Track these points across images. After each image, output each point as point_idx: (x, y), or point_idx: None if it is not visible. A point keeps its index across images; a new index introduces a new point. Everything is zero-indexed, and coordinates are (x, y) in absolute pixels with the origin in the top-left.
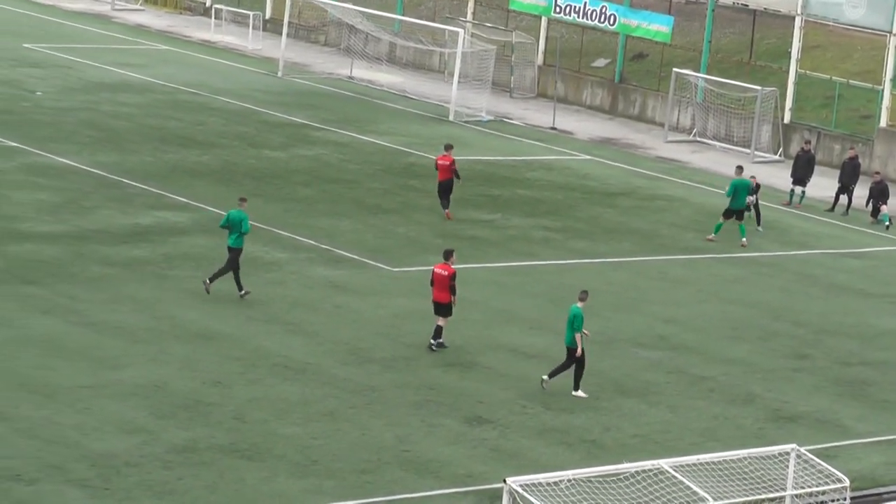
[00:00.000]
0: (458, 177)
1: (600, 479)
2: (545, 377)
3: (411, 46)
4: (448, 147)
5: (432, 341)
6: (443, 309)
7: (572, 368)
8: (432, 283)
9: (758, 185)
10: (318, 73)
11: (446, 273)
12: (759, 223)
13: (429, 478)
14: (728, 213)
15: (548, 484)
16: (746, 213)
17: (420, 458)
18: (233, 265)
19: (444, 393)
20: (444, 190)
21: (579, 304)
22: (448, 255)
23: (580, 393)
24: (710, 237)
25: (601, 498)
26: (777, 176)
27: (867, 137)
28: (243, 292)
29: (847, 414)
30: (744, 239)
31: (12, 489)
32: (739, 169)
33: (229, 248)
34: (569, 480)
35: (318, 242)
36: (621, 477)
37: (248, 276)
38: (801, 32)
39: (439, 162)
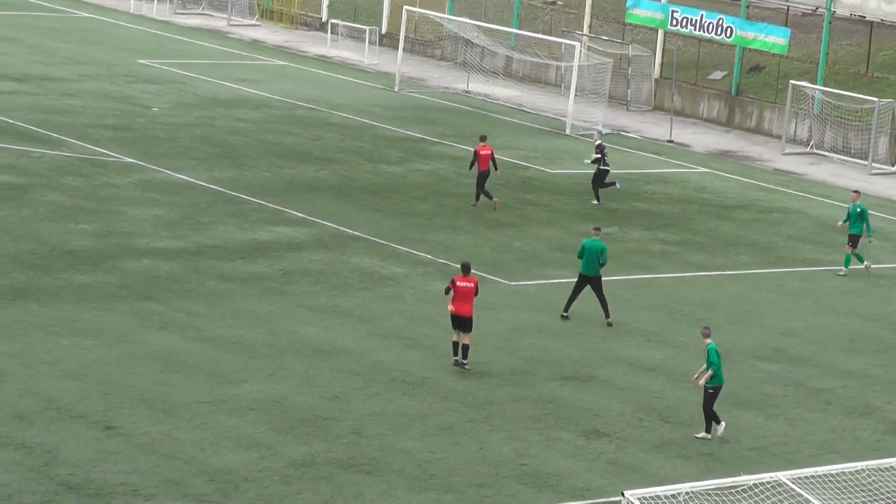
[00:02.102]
0: (496, 167)
1: (718, 492)
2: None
3: (527, 60)
4: (483, 138)
5: (463, 361)
6: (466, 324)
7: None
8: (448, 293)
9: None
10: (434, 88)
11: (472, 285)
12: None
13: (547, 491)
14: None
15: (665, 497)
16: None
17: (538, 472)
18: (576, 290)
19: (562, 406)
20: (484, 180)
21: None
22: (468, 268)
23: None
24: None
25: None
26: (894, 188)
27: None
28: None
29: None
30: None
31: None
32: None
33: (581, 276)
34: (686, 493)
35: (436, 257)
36: (739, 490)
37: (366, 290)
38: None
39: (481, 153)
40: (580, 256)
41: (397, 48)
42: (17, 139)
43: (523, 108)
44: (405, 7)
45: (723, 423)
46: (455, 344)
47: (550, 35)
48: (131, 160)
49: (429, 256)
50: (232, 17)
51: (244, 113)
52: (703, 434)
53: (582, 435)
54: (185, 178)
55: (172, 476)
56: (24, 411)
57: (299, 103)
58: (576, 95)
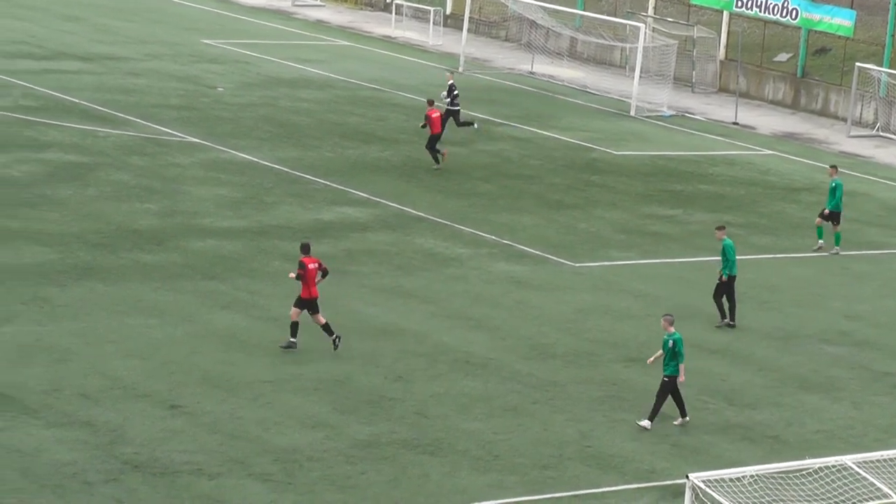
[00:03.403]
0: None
1: (783, 475)
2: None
3: (592, 41)
4: (431, 102)
5: (336, 339)
6: (316, 304)
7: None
8: (303, 279)
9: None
10: (499, 69)
11: (316, 266)
12: None
13: (612, 473)
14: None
15: (731, 480)
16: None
17: (602, 454)
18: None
19: (627, 388)
20: (435, 142)
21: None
22: (308, 248)
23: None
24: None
25: (784, 494)
26: None
27: None
28: (724, 322)
29: None
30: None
31: (195, 483)
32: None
33: (732, 277)
34: (751, 476)
35: (500, 238)
36: (804, 473)
37: (429, 271)
38: None
39: (432, 116)
40: (731, 258)
41: (462, 29)
42: (82, 119)
43: (588, 90)
44: None
45: (687, 419)
46: (295, 325)
47: (615, 16)
48: (196, 140)
49: (492, 237)
50: None
51: (308, 93)
52: (680, 420)
53: (646, 416)
54: (249, 157)
55: (237, 455)
56: (89, 390)
57: (363, 84)
58: (641, 77)
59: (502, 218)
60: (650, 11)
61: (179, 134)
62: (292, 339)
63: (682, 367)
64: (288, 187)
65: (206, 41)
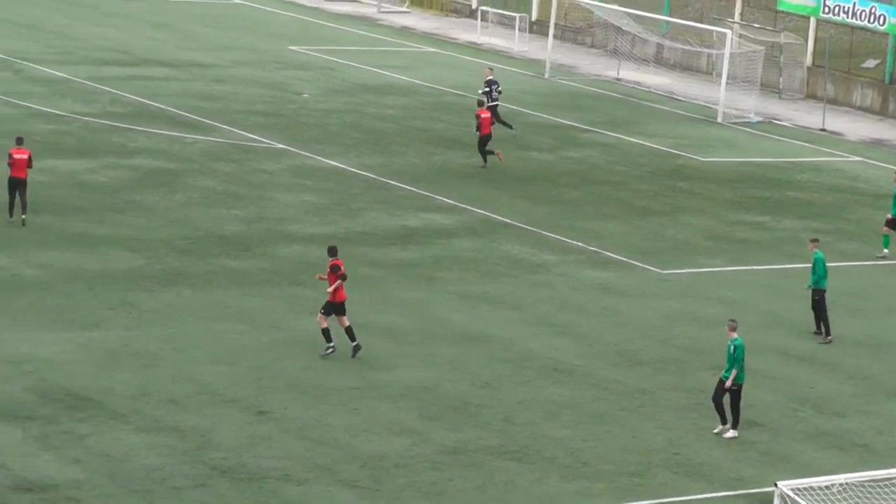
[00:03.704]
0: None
1: (873, 484)
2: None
3: (678, 48)
4: (481, 103)
5: (355, 344)
6: (345, 307)
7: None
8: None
9: None
10: (585, 75)
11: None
12: None
13: (699, 481)
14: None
15: (819, 488)
16: None
17: (690, 461)
18: (817, 307)
19: None
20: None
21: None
22: (335, 250)
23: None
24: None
25: (873, 502)
26: None
27: None
28: (824, 338)
29: None
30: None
31: (282, 489)
32: None
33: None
34: (840, 484)
35: (586, 244)
36: (895, 482)
37: (516, 277)
38: None
39: (482, 117)
40: (820, 272)
41: (547, 35)
42: (169, 125)
43: (674, 96)
44: None
45: (728, 425)
46: (326, 331)
47: (702, 22)
48: (282, 146)
49: (579, 244)
50: (382, 4)
51: (393, 99)
52: (731, 433)
53: (731, 428)
54: (336, 164)
55: (324, 461)
56: (177, 395)
57: (448, 90)
58: (727, 83)
59: (589, 224)
60: (737, 17)
61: (266, 140)
62: (329, 347)
63: (733, 372)
64: (374, 194)
65: (292, 48)
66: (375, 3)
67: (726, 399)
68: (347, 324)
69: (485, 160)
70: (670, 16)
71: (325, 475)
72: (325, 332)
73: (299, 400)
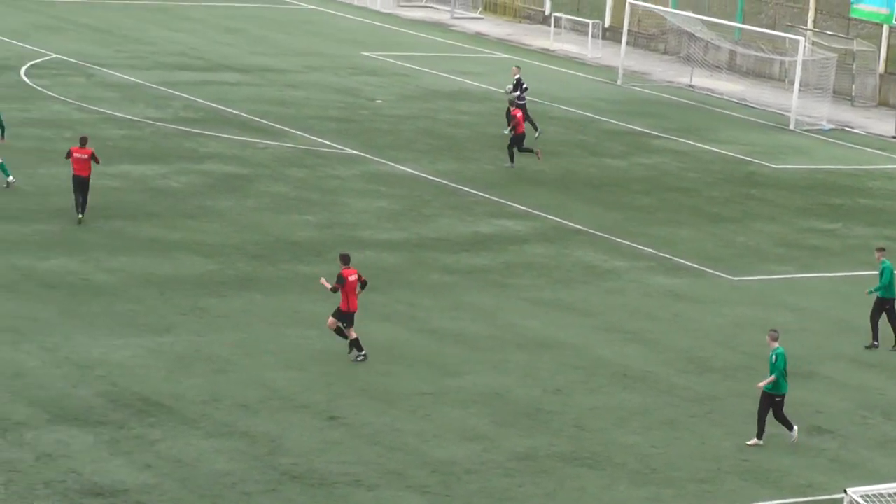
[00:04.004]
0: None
1: None
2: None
3: (751, 54)
4: (512, 102)
5: (361, 353)
6: (353, 318)
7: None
8: (340, 291)
9: None
10: (657, 82)
11: (356, 277)
12: None
13: (768, 487)
14: None
15: (889, 495)
16: None
17: (759, 468)
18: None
19: (784, 403)
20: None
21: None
22: (347, 259)
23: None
24: None
25: None
26: None
27: None
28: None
29: None
30: None
31: (353, 494)
32: None
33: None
34: None
35: (658, 251)
36: None
37: (588, 284)
38: None
39: (517, 116)
40: (886, 281)
41: (620, 42)
42: (241, 130)
43: (747, 103)
44: (629, 1)
45: (796, 428)
46: (355, 339)
47: (774, 29)
48: (355, 152)
49: (650, 250)
50: (455, 10)
51: (467, 106)
52: (754, 441)
53: (804, 431)
54: (408, 170)
55: (395, 467)
56: (248, 400)
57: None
58: (800, 90)
59: (660, 231)
60: (809, 25)
61: (338, 146)
62: (361, 353)
63: (771, 378)
64: (447, 199)
65: (365, 54)
66: (449, 9)
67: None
68: (354, 336)
69: (512, 160)
70: (743, 23)
71: (395, 481)
72: (354, 343)
73: (370, 405)
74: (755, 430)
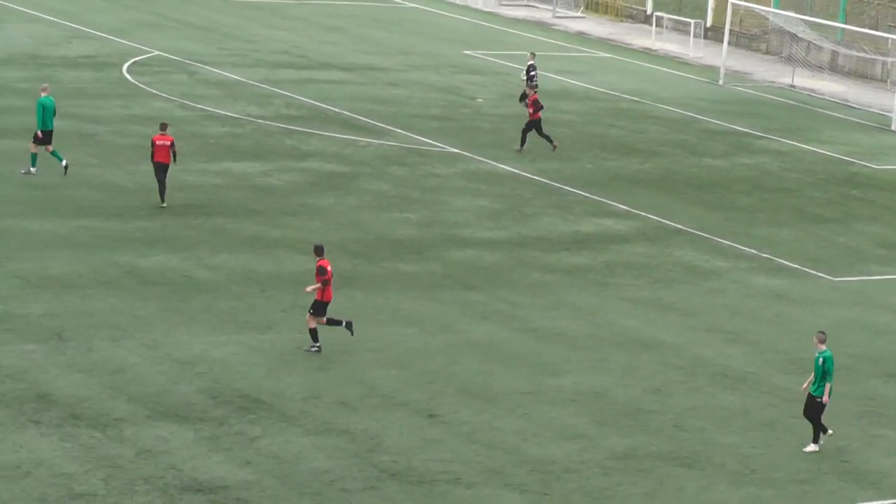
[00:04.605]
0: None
1: None
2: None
3: (853, 55)
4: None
5: (315, 345)
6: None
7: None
8: (327, 283)
9: None
10: (759, 82)
11: (331, 268)
12: None
13: (868, 489)
14: None
15: None
16: None
17: (859, 469)
18: None
19: (885, 404)
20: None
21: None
22: (321, 250)
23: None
24: None
25: None
26: None
27: None
28: None
29: None
30: None
31: (451, 492)
32: None
33: None
34: None
35: (759, 251)
36: None
37: (688, 284)
38: None
39: (531, 101)
40: None
41: (722, 41)
42: (343, 128)
43: (849, 104)
44: (731, 0)
45: (830, 431)
46: (314, 332)
47: (877, 30)
48: (456, 150)
49: (752, 251)
50: (557, 9)
51: (568, 105)
52: (811, 447)
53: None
54: (509, 168)
55: (494, 465)
56: (348, 398)
57: (623, 96)
58: None
59: (762, 231)
60: None
61: (439, 144)
62: (316, 346)
63: (828, 386)
64: (547, 199)
65: (467, 52)
66: (551, 7)
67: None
68: (323, 323)
69: (522, 143)
70: (845, 23)
71: (494, 479)
72: (313, 333)
73: (470, 404)
74: (856, 431)
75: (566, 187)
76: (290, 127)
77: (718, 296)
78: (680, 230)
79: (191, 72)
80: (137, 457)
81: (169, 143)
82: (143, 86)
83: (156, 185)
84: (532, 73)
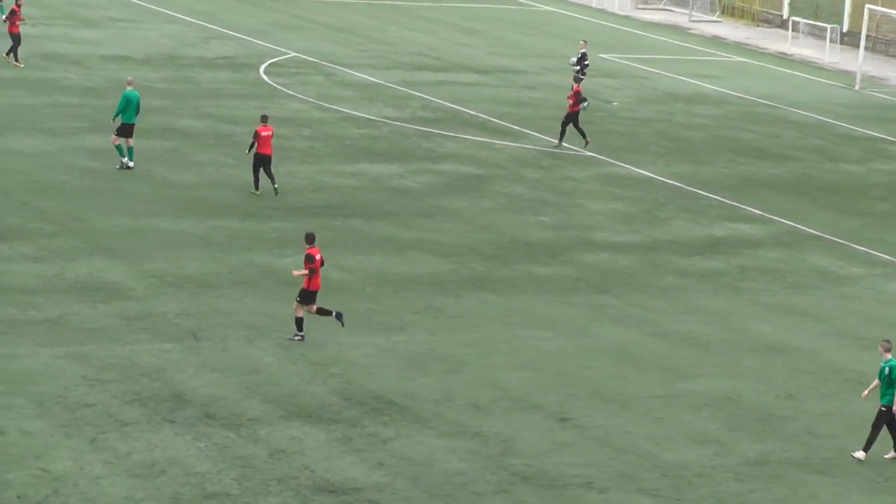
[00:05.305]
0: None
1: None
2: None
3: None
4: (577, 80)
5: (299, 334)
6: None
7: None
8: (315, 272)
9: None
10: (895, 87)
11: (320, 256)
12: None
13: None
14: None
15: None
16: None
17: None
18: None
19: None
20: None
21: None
22: (313, 238)
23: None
24: None
25: None
26: None
27: None
28: None
29: None
30: None
31: (583, 497)
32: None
33: None
34: None
35: (895, 257)
36: None
37: (822, 289)
38: None
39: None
40: None
41: (858, 47)
42: (478, 130)
43: None
44: (867, 5)
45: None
46: (300, 321)
47: None
48: (590, 154)
49: (887, 257)
50: (693, 13)
51: (703, 109)
52: (892, 454)
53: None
54: (644, 172)
55: (626, 470)
56: (480, 401)
57: (758, 100)
58: None
59: None
60: None
61: (574, 148)
62: (299, 335)
63: None
64: (681, 202)
65: (602, 55)
66: (686, 11)
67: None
68: (315, 309)
69: (561, 137)
70: None
71: (626, 483)
72: (299, 322)
73: (603, 408)
74: None
75: (700, 191)
76: (426, 129)
77: (853, 302)
78: (814, 235)
79: (328, 73)
80: (271, 457)
81: (271, 133)
82: (280, 87)
83: (263, 179)
84: (585, 63)
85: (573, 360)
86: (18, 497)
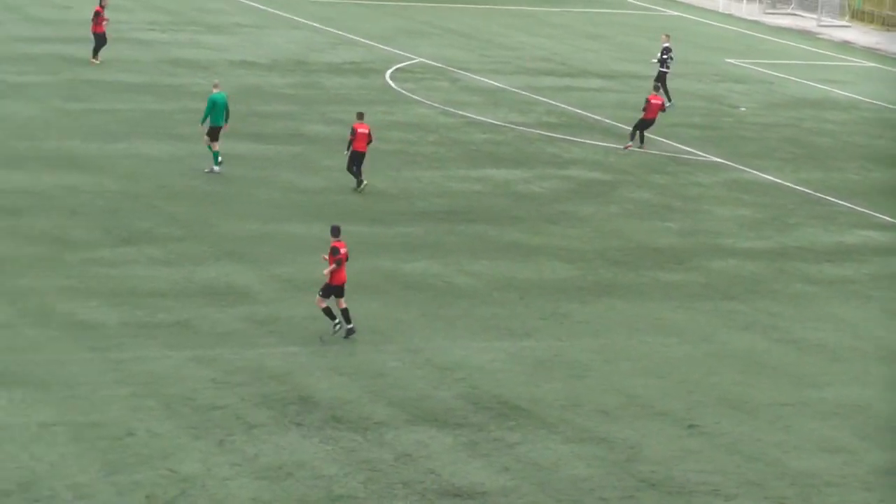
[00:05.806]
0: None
1: None
2: None
3: None
4: (657, 88)
5: (340, 324)
6: (343, 290)
7: None
8: (340, 264)
9: None
10: None
11: (346, 250)
12: None
13: None
14: None
15: None
16: None
17: None
18: None
19: None
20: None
21: None
22: (338, 231)
23: None
24: None
25: None
26: None
27: None
28: None
29: None
30: None
31: None
32: None
33: None
34: None
35: None
36: None
37: None
38: None
39: (652, 102)
40: None
41: None
42: (604, 136)
43: None
44: None
45: None
46: (328, 310)
47: None
48: (718, 159)
49: None
50: (821, 18)
51: (833, 114)
52: None
53: None
54: (772, 178)
55: (753, 478)
56: (607, 407)
57: (889, 106)
58: None
59: None
60: None
61: (701, 153)
62: (336, 323)
63: None
64: (810, 209)
65: (730, 61)
66: (815, 16)
67: None
68: (344, 306)
69: (631, 138)
70: None
71: (754, 491)
72: (327, 312)
73: (730, 415)
74: None
75: (829, 198)
76: (551, 134)
77: None
78: None
79: (453, 79)
80: (397, 461)
81: (367, 130)
82: (406, 92)
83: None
84: (664, 57)
85: (700, 366)
86: (147, 497)
